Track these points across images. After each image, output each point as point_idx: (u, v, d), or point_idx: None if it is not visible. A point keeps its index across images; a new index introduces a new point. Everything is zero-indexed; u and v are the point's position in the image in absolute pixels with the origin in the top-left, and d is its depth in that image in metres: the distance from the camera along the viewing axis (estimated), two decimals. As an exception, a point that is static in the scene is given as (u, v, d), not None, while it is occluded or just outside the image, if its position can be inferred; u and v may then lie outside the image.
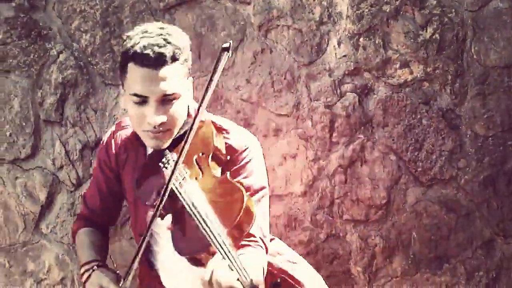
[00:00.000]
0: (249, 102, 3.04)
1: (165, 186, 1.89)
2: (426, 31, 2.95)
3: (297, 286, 2.17)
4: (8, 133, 3.04)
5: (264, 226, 2.03)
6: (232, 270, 1.72)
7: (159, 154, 2.03)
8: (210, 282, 1.76)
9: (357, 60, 2.98)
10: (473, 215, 3.07)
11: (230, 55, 1.88)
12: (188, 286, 2.06)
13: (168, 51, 1.91)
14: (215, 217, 1.83)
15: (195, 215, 1.85)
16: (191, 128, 1.89)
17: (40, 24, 3.00)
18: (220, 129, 2.05)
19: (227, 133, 2.06)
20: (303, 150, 3.04)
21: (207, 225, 1.81)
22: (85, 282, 2.08)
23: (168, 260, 2.12)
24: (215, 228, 1.80)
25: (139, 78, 1.92)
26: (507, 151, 3.03)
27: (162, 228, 2.03)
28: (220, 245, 1.77)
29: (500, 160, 3.03)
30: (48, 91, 3.01)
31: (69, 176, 3.07)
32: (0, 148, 3.05)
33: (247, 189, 1.95)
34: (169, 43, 1.92)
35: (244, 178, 2.02)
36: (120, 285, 1.99)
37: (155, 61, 1.90)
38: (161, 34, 1.94)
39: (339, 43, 2.98)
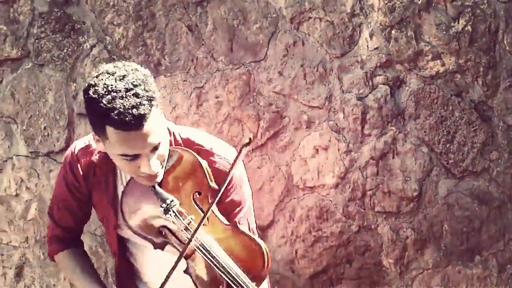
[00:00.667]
0: (281, 94, 3.05)
1: (187, 241, 1.91)
2: (458, 23, 2.94)
3: None
4: (42, 126, 3.07)
5: (252, 224, 2.12)
6: None
7: (138, 184, 2.01)
8: None
9: (389, 52, 2.98)
10: (505, 207, 3.06)
11: (250, 149, 1.88)
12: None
13: (145, 109, 1.82)
14: (238, 269, 1.91)
15: (216, 266, 1.91)
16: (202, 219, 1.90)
17: (74, 18, 3.02)
18: (203, 152, 2.03)
19: (212, 155, 2.04)
20: (335, 142, 3.04)
21: (232, 276, 1.90)
22: None
23: (153, 262, 2.16)
24: (239, 276, 1.90)
25: (124, 141, 1.85)
26: (540, 142, 3.01)
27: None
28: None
29: (533, 151, 3.02)
30: (82, 84, 3.03)
31: (102, 169, 3.09)
32: (35, 141, 3.08)
33: (239, 203, 2.03)
34: (141, 97, 1.82)
35: (235, 194, 2.04)
36: None
37: (136, 122, 1.81)
38: (128, 90, 1.82)
39: (371, 35, 2.99)
